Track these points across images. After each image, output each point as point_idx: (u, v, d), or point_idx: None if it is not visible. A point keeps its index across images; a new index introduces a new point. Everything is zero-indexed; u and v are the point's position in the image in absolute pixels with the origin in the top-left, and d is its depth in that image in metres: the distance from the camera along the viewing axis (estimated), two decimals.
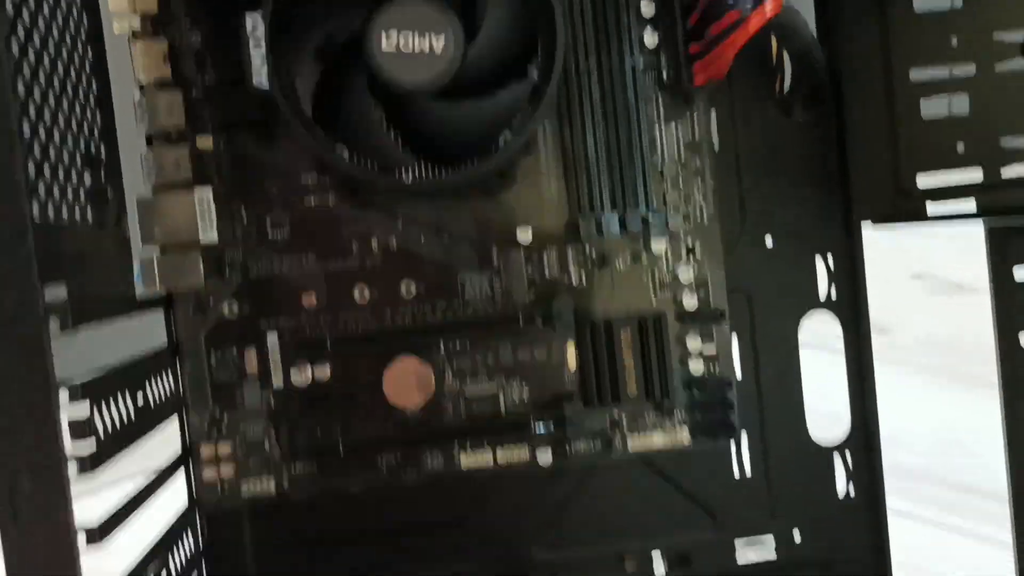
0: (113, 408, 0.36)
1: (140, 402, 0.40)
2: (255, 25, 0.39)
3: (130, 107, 0.44)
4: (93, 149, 0.38)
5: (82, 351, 0.34)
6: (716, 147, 0.49)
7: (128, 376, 0.39)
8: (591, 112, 0.46)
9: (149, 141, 0.44)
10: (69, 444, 0.32)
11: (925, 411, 0.68)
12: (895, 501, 0.52)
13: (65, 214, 0.34)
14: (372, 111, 0.42)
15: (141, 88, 0.44)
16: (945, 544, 0.63)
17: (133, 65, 0.44)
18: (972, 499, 0.64)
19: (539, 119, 0.42)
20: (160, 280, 0.42)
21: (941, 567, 0.60)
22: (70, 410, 0.33)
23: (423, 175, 0.41)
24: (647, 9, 0.46)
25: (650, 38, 0.47)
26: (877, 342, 0.51)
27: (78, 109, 0.37)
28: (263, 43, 0.39)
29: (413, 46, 0.40)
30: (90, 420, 0.34)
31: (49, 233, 0.33)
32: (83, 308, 0.34)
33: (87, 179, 0.37)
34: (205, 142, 0.45)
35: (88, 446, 0.33)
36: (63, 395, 0.33)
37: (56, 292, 0.32)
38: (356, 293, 0.46)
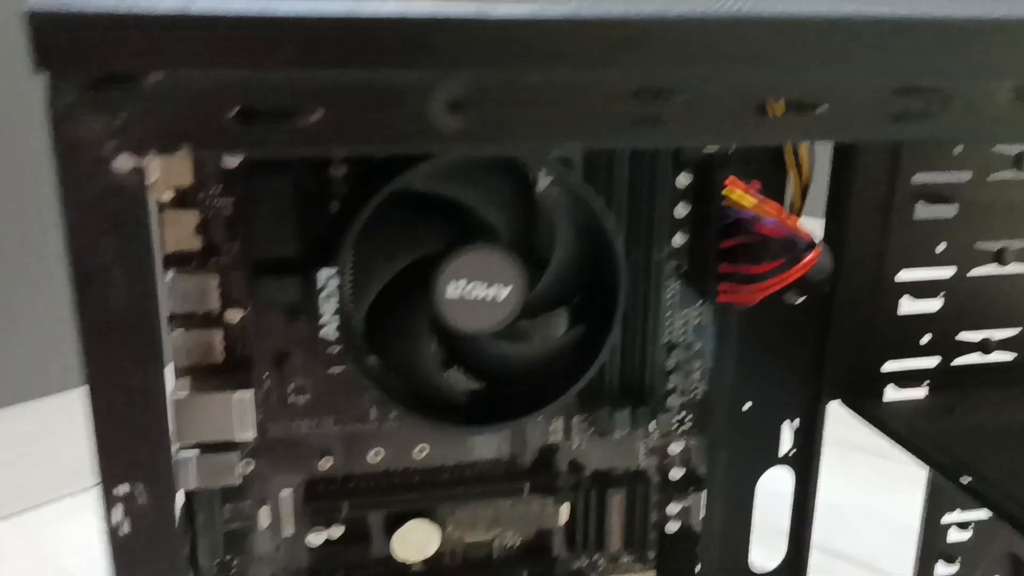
0: None
1: None
2: (328, 280, 0.38)
3: None
4: None
5: None
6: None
7: None
8: None
9: (171, 319, 0.43)
10: None
11: None
12: None
13: None
14: (427, 343, 0.42)
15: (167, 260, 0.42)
16: None
17: (160, 237, 0.42)
18: None
19: (599, 364, 0.43)
20: (197, 481, 0.42)
21: None
22: None
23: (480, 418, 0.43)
24: (680, 211, 0.48)
25: (679, 238, 0.48)
26: None
27: None
28: (335, 297, 0.38)
29: (477, 295, 0.40)
30: None
31: None
32: None
33: None
34: (234, 315, 0.44)
35: None
36: None
37: None
38: (370, 455, 0.48)
